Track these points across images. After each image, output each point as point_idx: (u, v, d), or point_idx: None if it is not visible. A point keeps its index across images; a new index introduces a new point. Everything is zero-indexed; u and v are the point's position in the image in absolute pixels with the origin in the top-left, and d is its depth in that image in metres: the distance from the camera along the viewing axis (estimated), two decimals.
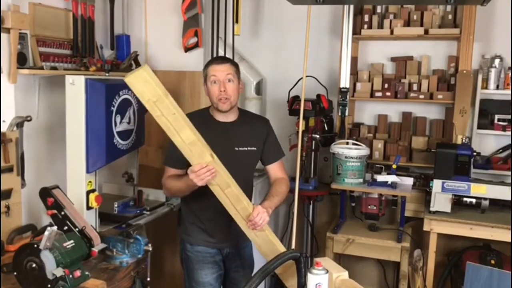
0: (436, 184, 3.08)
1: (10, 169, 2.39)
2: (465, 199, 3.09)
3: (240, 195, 2.03)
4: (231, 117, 2.35)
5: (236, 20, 3.51)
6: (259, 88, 3.79)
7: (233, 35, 3.50)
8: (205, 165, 1.94)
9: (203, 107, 2.48)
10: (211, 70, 2.28)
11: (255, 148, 2.36)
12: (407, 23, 3.44)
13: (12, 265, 1.86)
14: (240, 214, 2.07)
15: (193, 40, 3.45)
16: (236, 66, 2.34)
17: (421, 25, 3.39)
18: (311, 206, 3.51)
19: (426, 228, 3.09)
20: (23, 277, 1.83)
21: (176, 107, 1.87)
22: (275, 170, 2.43)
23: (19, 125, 2.48)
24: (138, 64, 3.37)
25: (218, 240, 2.34)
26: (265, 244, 2.14)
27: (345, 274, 1.72)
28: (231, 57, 3.44)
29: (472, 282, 2.43)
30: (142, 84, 1.82)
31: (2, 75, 2.36)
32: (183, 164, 2.25)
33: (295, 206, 2.75)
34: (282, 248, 2.13)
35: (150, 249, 2.26)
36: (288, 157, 3.41)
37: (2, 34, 2.34)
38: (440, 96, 3.38)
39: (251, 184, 2.48)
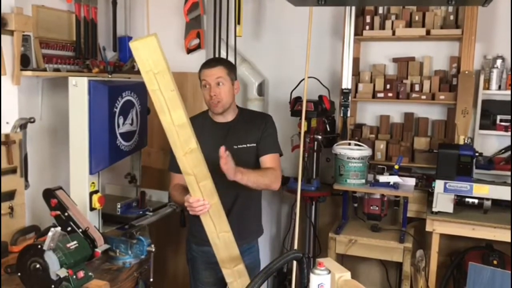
0: (438, 185, 3.08)
1: (13, 171, 2.41)
2: (467, 199, 3.08)
3: (214, 190, 2.02)
4: (229, 117, 2.38)
5: (238, 21, 3.52)
6: (261, 89, 3.80)
7: (235, 36, 3.51)
8: (201, 200, 1.98)
9: (205, 108, 2.50)
10: (201, 74, 2.31)
11: (254, 144, 2.36)
12: (409, 24, 3.44)
13: (16, 266, 1.87)
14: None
15: (195, 41, 3.45)
16: (228, 67, 2.33)
17: (423, 25, 3.39)
18: (313, 207, 3.51)
19: (428, 228, 3.10)
20: (27, 278, 1.84)
21: (175, 85, 1.80)
22: (266, 161, 2.35)
23: (23, 126, 2.49)
24: None
25: None
26: (224, 247, 2.13)
27: (347, 274, 1.72)
28: (233, 58, 3.46)
29: (475, 282, 2.43)
30: (148, 52, 1.72)
31: (6, 77, 2.37)
32: None
33: (297, 206, 2.75)
34: (239, 254, 2.17)
35: (153, 250, 2.26)
36: (290, 158, 3.44)
37: (6, 37, 2.35)
38: (442, 97, 3.38)
39: None
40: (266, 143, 2.37)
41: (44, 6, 2.74)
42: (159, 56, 1.74)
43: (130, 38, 3.48)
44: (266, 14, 3.89)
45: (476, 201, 3.07)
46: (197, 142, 1.92)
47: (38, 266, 1.80)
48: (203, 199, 1.99)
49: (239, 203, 2.31)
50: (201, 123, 2.24)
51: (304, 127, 2.95)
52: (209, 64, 2.33)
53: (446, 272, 3.30)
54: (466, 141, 3.24)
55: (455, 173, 3.07)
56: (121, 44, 3.43)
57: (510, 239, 2.89)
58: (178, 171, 2.28)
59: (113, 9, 3.33)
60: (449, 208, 3.07)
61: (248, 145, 2.34)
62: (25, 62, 2.55)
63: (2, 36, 2.31)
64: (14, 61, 2.41)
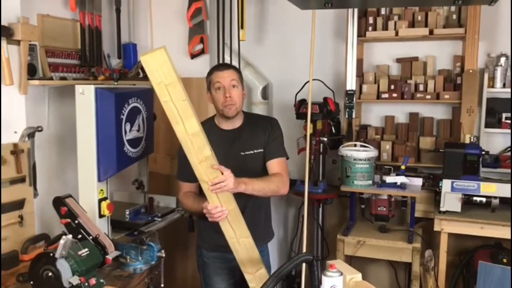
0: (445, 184, 3.08)
1: (22, 179, 2.42)
2: (475, 198, 3.08)
3: (231, 197, 2.06)
4: (236, 123, 2.36)
5: (241, 25, 3.54)
6: (265, 93, 3.81)
7: (239, 40, 3.53)
8: (219, 206, 2.02)
9: (211, 113, 2.50)
10: (215, 76, 2.28)
11: (262, 150, 2.35)
12: (412, 24, 3.44)
13: (29, 274, 1.88)
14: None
15: (199, 46, 3.47)
16: (239, 72, 2.35)
17: (426, 25, 3.40)
18: (320, 209, 3.51)
19: (436, 228, 3.09)
20: (39, 286, 1.84)
21: (186, 94, 1.85)
22: (273, 166, 2.33)
23: (31, 135, 2.51)
24: (145, 72, 3.39)
25: None
26: (245, 252, 2.15)
27: (358, 276, 1.73)
28: (237, 63, 3.48)
29: (485, 281, 2.43)
30: (158, 65, 1.79)
31: (13, 86, 2.38)
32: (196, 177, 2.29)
33: (304, 209, 2.75)
34: (260, 258, 2.19)
35: (163, 255, 2.27)
36: (296, 160, 3.44)
37: (13, 46, 2.36)
38: (446, 96, 3.38)
39: None
40: (272, 147, 2.36)
41: (49, 15, 2.76)
42: (169, 68, 1.80)
43: (134, 45, 3.50)
44: (269, 17, 3.90)
45: (484, 199, 3.06)
46: (211, 149, 1.94)
47: (50, 274, 1.80)
48: (221, 206, 2.02)
49: (249, 208, 2.31)
50: (208, 131, 2.24)
51: (309, 130, 2.96)
52: (222, 67, 2.34)
53: (455, 271, 3.29)
54: (472, 140, 3.24)
55: (461, 172, 3.07)
56: (126, 51, 3.45)
57: None
58: (186, 179, 2.32)
59: (117, 17, 3.35)
60: (457, 207, 3.06)
61: (255, 151, 2.33)
62: (31, 71, 2.56)
63: (9, 46, 2.32)
64: (21, 70, 2.42)
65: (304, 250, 2.81)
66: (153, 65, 1.80)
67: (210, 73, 2.33)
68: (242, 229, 2.10)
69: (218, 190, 2.01)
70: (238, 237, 2.10)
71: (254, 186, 2.15)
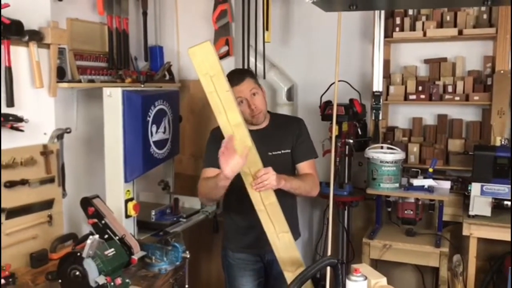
0: (475, 188, 3.01)
1: (51, 180, 2.48)
2: (506, 202, 2.99)
3: (271, 190, 2.06)
4: (262, 124, 2.37)
5: (266, 27, 3.54)
6: (290, 94, 3.80)
7: (264, 42, 3.53)
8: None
9: None
10: (235, 91, 2.21)
11: (289, 150, 2.36)
12: (440, 24, 3.38)
13: (57, 273, 1.91)
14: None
15: (224, 48, 3.48)
16: (253, 76, 2.35)
17: (455, 25, 3.33)
18: (346, 212, 3.48)
19: (465, 232, 3.02)
20: (67, 285, 1.87)
21: (229, 86, 1.94)
22: (304, 168, 2.37)
23: (59, 137, 2.56)
24: (171, 75, 3.43)
25: (260, 247, 2.33)
26: (285, 249, 2.13)
27: (383, 280, 1.71)
28: (261, 64, 3.48)
29: None
30: (204, 56, 1.90)
31: (43, 89, 2.44)
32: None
33: (330, 212, 2.73)
34: (299, 256, 2.16)
35: (188, 256, 2.28)
36: (321, 162, 3.41)
37: (43, 50, 2.42)
38: (476, 98, 3.30)
39: None
40: (301, 149, 2.37)
41: (78, 19, 2.81)
42: (214, 59, 1.90)
43: (160, 48, 3.54)
44: (294, 19, 3.89)
45: None
46: (252, 141, 1.98)
47: (78, 273, 1.83)
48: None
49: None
50: None
51: (335, 131, 2.93)
52: (237, 80, 2.24)
53: (485, 277, 3.22)
54: (503, 142, 3.15)
55: (491, 175, 2.99)
56: (152, 53, 3.49)
57: None
58: (213, 165, 2.21)
59: (143, 20, 3.39)
60: (487, 212, 2.99)
61: (282, 151, 2.34)
62: (60, 74, 2.62)
63: (39, 49, 2.38)
64: (50, 73, 2.48)
65: (329, 253, 2.78)
66: (200, 57, 1.90)
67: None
68: (282, 223, 2.10)
69: (262, 189, 2.02)
70: (278, 232, 2.10)
71: (292, 184, 2.18)
